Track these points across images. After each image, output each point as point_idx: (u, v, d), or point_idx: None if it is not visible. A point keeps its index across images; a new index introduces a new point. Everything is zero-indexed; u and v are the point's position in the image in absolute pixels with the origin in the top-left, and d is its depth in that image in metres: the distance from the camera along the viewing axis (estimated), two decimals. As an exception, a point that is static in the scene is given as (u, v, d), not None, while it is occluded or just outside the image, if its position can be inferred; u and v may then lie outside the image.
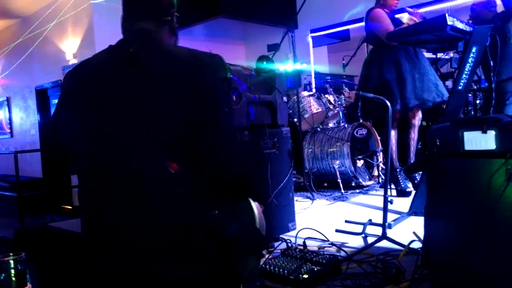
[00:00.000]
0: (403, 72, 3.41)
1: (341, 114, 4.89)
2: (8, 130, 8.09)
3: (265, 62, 2.86)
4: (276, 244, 2.49)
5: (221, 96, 1.30)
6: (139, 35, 1.32)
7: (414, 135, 3.67)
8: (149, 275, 1.16)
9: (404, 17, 3.49)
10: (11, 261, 0.94)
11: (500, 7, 3.92)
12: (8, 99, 8.00)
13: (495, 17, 3.76)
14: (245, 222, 1.34)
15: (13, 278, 0.93)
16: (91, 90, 1.26)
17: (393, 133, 3.63)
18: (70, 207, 6.52)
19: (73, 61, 6.14)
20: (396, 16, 3.65)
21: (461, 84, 2.70)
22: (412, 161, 3.70)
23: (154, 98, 1.19)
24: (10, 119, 8.03)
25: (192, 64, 1.25)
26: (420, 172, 3.31)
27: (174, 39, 1.40)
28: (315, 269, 1.91)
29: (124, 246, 1.19)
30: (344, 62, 5.12)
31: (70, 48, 6.14)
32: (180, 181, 1.18)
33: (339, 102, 4.93)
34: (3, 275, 0.93)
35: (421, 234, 1.84)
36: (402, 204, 3.29)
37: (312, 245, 2.38)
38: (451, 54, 4.85)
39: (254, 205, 1.38)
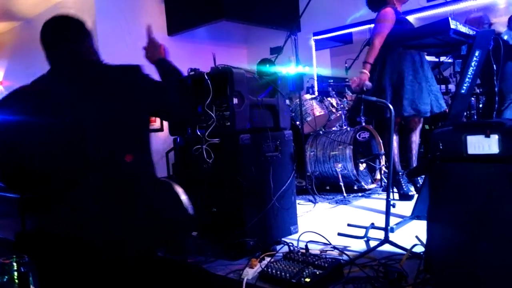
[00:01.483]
0: (404, 80, 3.39)
1: (343, 118, 4.89)
2: (11, 132, 8.11)
3: (267, 65, 2.87)
4: (278, 247, 2.48)
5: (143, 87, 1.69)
6: (70, 58, 1.66)
7: (415, 138, 3.66)
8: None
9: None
10: (14, 264, 0.95)
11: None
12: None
13: None
14: (178, 204, 1.67)
15: (16, 280, 0.94)
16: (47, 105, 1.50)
17: (394, 137, 3.62)
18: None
19: (76, 63, 6.17)
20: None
21: (464, 87, 2.69)
22: (414, 165, 3.69)
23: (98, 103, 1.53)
24: (13, 120, 8.04)
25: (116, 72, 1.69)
26: (423, 176, 3.30)
27: (97, 56, 1.76)
28: (317, 273, 1.90)
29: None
30: (346, 65, 5.12)
31: (73, 50, 6.16)
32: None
33: (342, 106, 4.93)
34: (6, 277, 0.93)
35: (424, 238, 1.84)
36: (405, 207, 3.28)
37: (314, 249, 2.38)
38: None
39: (180, 189, 1.71)
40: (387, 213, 2.37)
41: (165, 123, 6.13)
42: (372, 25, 3.61)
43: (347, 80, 5.62)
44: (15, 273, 0.94)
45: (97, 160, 1.48)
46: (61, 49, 1.66)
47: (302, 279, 1.86)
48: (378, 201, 3.84)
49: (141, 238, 1.54)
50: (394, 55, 3.45)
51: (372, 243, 2.44)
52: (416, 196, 3.46)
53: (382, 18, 3.47)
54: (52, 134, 1.45)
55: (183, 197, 1.70)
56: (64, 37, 1.66)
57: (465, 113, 4.00)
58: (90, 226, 1.46)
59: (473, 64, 2.64)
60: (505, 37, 3.51)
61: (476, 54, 2.63)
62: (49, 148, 1.46)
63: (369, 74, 3.32)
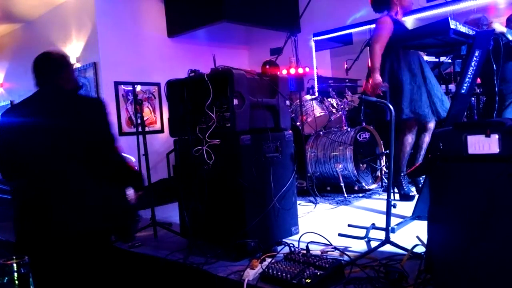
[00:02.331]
0: (403, 83, 3.36)
1: (343, 118, 4.89)
2: (12, 134, 8.11)
3: (267, 66, 2.87)
4: (279, 248, 2.48)
5: (102, 120, 2.10)
6: (49, 88, 2.17)
7: (428, 138, 3.61)
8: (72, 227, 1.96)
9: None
10: (14, 264, 0.95)
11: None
12: (11, 103, 8.04)
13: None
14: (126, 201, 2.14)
15: (16, 282, 0.94)
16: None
17: (410, 139, 3.56)
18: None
19: (76, 65, 6.17)
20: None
21: (464, 87, 2.70)
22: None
23: (62, 124, 2.03)
24: (13, 122, 8.04)
25: (82, 103, 2.19)
26: (424, 176, 3.30)
27: (72, 84, 2.22)
28: (318, 273, 1.90)
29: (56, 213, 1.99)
30: (346, 66, 5.12)
31: (74, 52, 6.17)
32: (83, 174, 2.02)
33: (342, 106, 4.93)
34: (6, 278, 0.93)
35: (425, 239, 1.84)
36: (406, 208, 3.28)
37: (315, 249, 2.38)
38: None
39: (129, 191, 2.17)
40: (388, 214, 2.37)
41: (166, 124, 6.14)
42: (373, 26, 3.61)
43: (347, 80, 5.63)
44: (15, 274, 0.94)
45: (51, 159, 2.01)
46: (43, 79, 2.19)
47: (303, 279, 1.86)
48: (378, 202, 3.84)
49: (95, 220, 2.02)
50: (393, 59, 3.43)
51: (373, 244, 2.44)
52: (416, 196, 3.46)
53: (379, 25, 3.45)
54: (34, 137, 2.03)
55: (129, 191, 2.16)
56: (46, 71, 2.19)
57: (465, 113, 3.99)
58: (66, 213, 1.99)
59: (473, 64, 2.64)
60: (510, 37, 3.47)
61: (476, 54, 2.63)
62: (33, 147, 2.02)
63: (380, 78, 3.28)
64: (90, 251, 2.06)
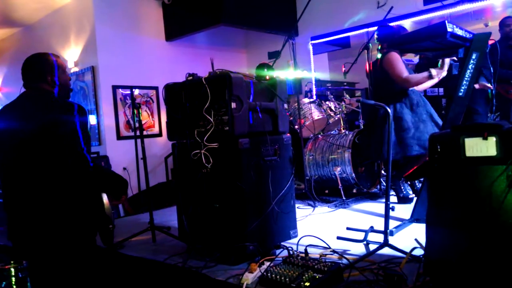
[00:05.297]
0: (406, 123, 3.39)
1: (342, 121, 4.89)
2: (10, 138, 8.09)
3: (265, 70, 2.87)
4: (277, 251, 2.48)
5: (70, 128, 2.09)
6: (32, 91, 2.24)
7: None
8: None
9: None
10: (12, 269, 0.94)
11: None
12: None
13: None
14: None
15: (14, 286, 0.93)
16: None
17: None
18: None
19: (74, 69, 6.17)
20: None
21: (462, 90, 2.71)
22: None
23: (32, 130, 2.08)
24: (12, 127, 8.03)
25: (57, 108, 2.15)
26: (421, 179, 3.31)
27: (56, 89, 2.25)
28: (317, 277, 1.90)
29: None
30: (344, 69, 5.13)
31: (72, 56, 6.17)
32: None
33: (340, 109, 4.94)
34: (4, 283, 0.93)
35: (423, 241, 1.84)
36: (404, 211, 3.28)
37: (314, 253, 2.37)
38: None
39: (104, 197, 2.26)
40: (386, 216, 2.37)
41: (164, 128, 6.14)
42: (370, 29, 3.63)
43: (345, 83, 5.64)
44: (13, 279, 0.93)
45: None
46: (26, 81, 2.26)
47: (302, 283, 1.86)
48: (377, 204, 3.84)
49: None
50: (396, 104, 3.46)
51: (372, 247, 2.44)
52: (415, 199, 3.46)
53: (392, 62, 3.40)
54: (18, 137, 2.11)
55: (105, 200, 2.25)
56: (31, 73, 2.24)
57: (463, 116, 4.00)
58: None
59: (470, 67, 2.65)
60: None
61: (473, 56, 2.64)
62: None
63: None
64: (73, 254, 2.12)
